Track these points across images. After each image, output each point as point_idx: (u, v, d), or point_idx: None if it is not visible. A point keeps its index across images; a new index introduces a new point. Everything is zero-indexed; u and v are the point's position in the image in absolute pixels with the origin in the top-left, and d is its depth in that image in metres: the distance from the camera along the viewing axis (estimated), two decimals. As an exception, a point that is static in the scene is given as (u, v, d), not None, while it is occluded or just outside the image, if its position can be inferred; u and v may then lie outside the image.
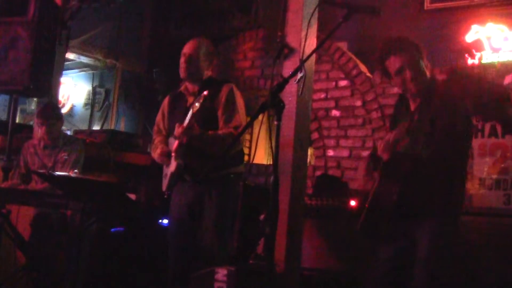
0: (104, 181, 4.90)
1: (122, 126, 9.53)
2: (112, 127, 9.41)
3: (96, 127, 9.80)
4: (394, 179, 3.34)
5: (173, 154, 4.18)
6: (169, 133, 4.38)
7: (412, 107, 3.50)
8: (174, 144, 4.16)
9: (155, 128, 4.62)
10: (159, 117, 4.61)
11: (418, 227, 3.36)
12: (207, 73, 4.40)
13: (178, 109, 4.38)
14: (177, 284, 4.22)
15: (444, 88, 1.93)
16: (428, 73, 3.40)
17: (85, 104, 10.32)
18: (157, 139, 4.52)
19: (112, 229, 5.24)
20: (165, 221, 5.28)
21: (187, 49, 4.37)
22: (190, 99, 4.32)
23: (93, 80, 10.31)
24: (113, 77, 9.80)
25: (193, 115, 3.98)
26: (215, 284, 3.76)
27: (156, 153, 4.36)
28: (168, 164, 4.27)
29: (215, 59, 4.54)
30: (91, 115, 10.11)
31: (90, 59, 9.63)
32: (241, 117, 4.23)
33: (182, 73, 4.35)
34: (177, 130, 4.04)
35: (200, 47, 4.37)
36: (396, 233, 3.46)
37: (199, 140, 4.08)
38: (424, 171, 3.29)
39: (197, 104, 3.93)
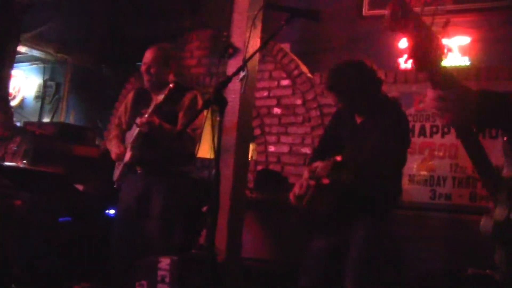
0: (52, 172, 4.81)
1: (71, 119, 9.38)
2: (62, 120, 9.26)
3: (46, 120, 9.61)
4: (329, 189, 3.32)
5: (129, 145, 4.14)
6: (129, 127, 4.33)
7: (358, 120, 3.53)
8: (133, 134, 4.12)
9: (116, 120, 4.57)
10: (121, 110, 4.56)
11: (350, 227, 3.39)
12: (171, 78, 4.34)
13: (142, 105, 4.32)
14: (120, 272, 4.17)
15: (389, 23, 1.90)
16: (369, 93, 3.43)
17: (36, 97, 10.10)
18: (113, 132, 4.48)
19: (60, 219, 5.15)
20: (112, 211, 5.23)
21: (145, 58, 4.32)
22: (155, 98, 4.27)
23: (44, 73, 10.10)
24: (64, 71, 9.64)
25: (156, 106, 3.97)
26: (158, 272, 3.74)
27: (113, 152, 4.31)
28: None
29: (175, 63, 4.48)
30: (42, 107, 9.91)
31: (41, 52, 9.44)
32: (200, 121, 4.15)
33: (145, 82, 4.31)
34: (139, 120, 4.00)
35: (157, 55, 4.30)
36: (330, 230, 3.49)
37: (158, 131, 4.04)
38: (362, 180, 3.31)
39: (161, 96, 3.92)
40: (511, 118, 2.05)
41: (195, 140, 4.21)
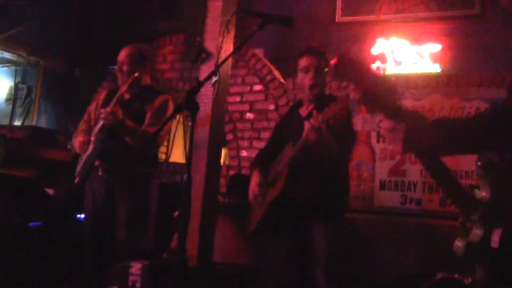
0: (23, 176, 4.76)
1: (43, 123, 9.28)
2: (34, 124, 9.17)
3: (17, 123, 9.50)
4: (299, 181, 3.38)
5: (92, 138, 4.09)
6: (97, 123, 4.28)
7: (304, 113, 3.59)
8: (97, 127, 4.07)
9: (86, 116, 4.49)
10: (92, 106, 4.50)
11: (312, 227, 3.44)
12: (146, 80, 4.31)
13: None
14: (93, 277, 4.12)
15: (334, 72, 1.94)
16: (326, 82, 3.57)
17: (7, 100, 9.98)
18: (81, 127, 4.40)
19: (30, 223, 5.09)
20: (83, 215, 5.18)
21: (120, 56, 4.28)
22: (127, 96, 4.23)
23: (15, 76, 9.99)
24: (36, 74, 9.54)
25: (120, 95, 3.93)
26: (129, 277, 3.72)
27: (77, 141, 4.24)
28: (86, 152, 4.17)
29: (149, 64, 4.45)
30: (13, 110, 9.79)
31: (13, 55, 9.33)
32: (167, 126, 4.09)
33: (119, 82, 4.27)
34: (102, 111, 3.96)
35: (131, 53, 4.27)
36: (290, 232, 3.52)
37: (121, 126, 3.99)
38: (326, 170, 3.38)
39: (125, 84, 3.88)
40: (464, 143, 2.09)
41: (158, 141, 4.18)
